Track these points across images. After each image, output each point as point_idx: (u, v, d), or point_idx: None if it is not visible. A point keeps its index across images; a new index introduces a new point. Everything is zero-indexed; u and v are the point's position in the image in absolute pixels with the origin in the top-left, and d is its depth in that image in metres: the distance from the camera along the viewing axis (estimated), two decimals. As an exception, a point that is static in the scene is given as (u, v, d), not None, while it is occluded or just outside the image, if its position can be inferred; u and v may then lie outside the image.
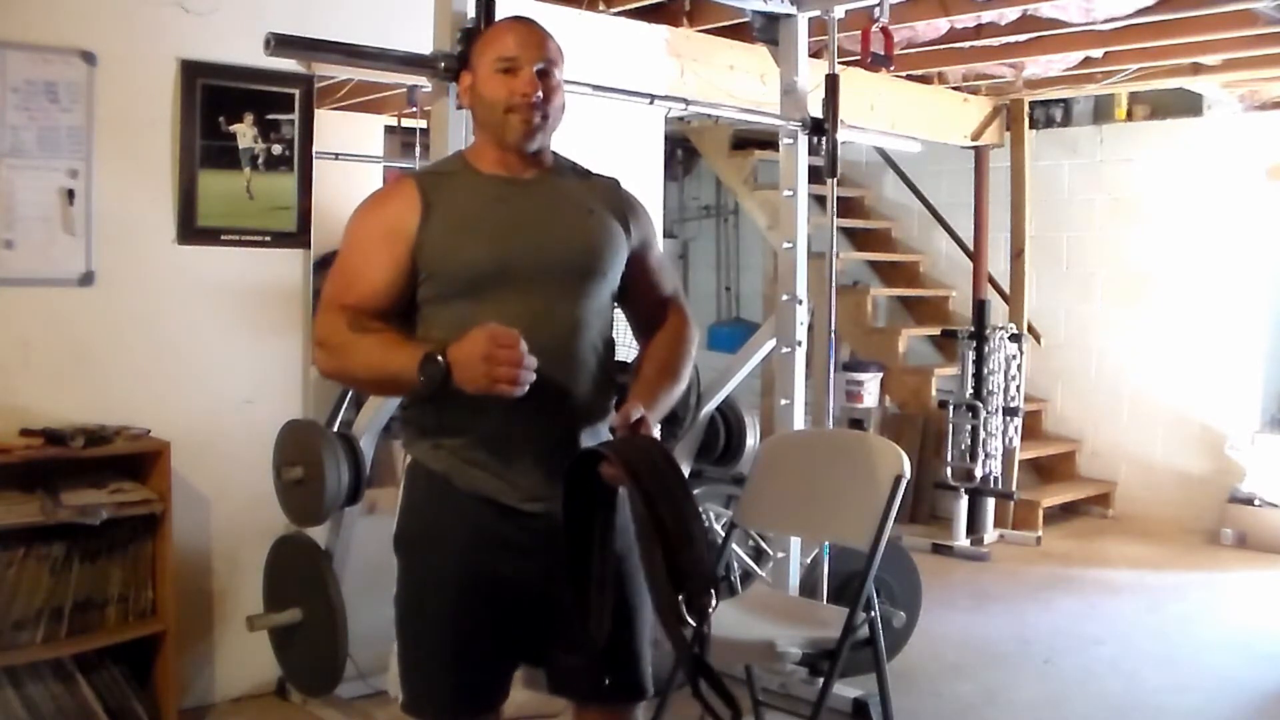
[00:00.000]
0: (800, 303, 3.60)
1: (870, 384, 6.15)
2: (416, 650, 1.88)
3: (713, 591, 1.69)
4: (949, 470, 5.56)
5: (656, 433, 1.88)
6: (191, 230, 3.32)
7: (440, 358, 1.66)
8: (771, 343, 3.67)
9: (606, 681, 1.86)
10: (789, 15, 3.56)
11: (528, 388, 1.66)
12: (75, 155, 3.12)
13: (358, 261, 1.83)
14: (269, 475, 3.16)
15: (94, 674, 3.03)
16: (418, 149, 4.24)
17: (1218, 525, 5.79)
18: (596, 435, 1.88)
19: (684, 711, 1.77)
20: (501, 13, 2.42)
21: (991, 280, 6.24)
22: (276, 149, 3.43)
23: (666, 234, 7.18)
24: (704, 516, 4.03)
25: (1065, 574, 5.20)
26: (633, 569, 1.85)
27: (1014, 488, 5.79)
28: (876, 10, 3.44)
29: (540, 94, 1.84)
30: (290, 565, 3.27)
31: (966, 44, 4.77)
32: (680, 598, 1.66)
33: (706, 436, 3.80)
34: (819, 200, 4.23)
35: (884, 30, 3.53)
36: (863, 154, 7.05)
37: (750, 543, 4.13)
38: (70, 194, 3.12)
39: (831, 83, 3.52)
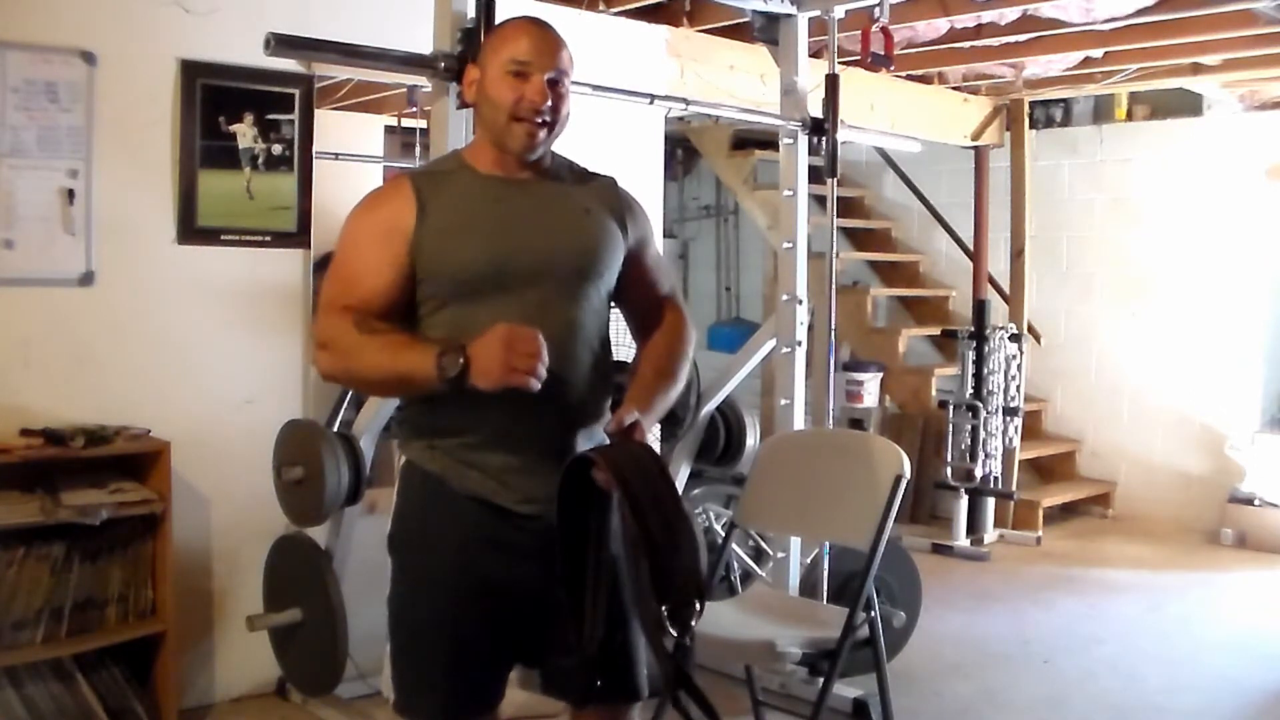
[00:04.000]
0: (800, 303, 3.60)
1: (870, 384, 6.14)
2: (410, 651, 1.88)
3: (697, 603, 1.68)
4: (949, 470, 5.56)
5: (654, 434, 1.88)
6: (191, 230, 3.32)
7: (459, 352, 1.66)
8: (771, 343, 3.67)
9: (599, 683, 1.86)
10: (789, 15, 3.56)
11: (540, 385, 1.66)
12: (75, 155, 3.12)
13: (357, 263, 1.82)
14: (269, 475, 3.16)
15: (94, 674, 3.03)
16: (418, 149, 4.24)
17: (1218, 525, 5.79)
18: (593, 436, 1.88)
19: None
20: (501, 13, 2.42)
21: (991, 280, 6.24)
22: (276, 149, 3.43)
23: (666, 234, 7.19)
24: (704, 516, 4.05)
25: (1065, 574, 5.20)
26: (628, 572, 1.84)
27: (1014, 488, 5.79)
28: (876, 10, 3.44)
29: (549, 104, 1.82)
30: (290, 565, 3.27)
31: (966, 44, 4.77)
32: (664, 608, 1.66)
33: (706, 436, 3.80)
34: (819, 200, 4.23)
35: (884, 30, 3.53)
36: (863, 154, 7.05)
37: (750, 543, 4.13)
38: (70, 194, 3.12)
39: (831, 83, 3.52)
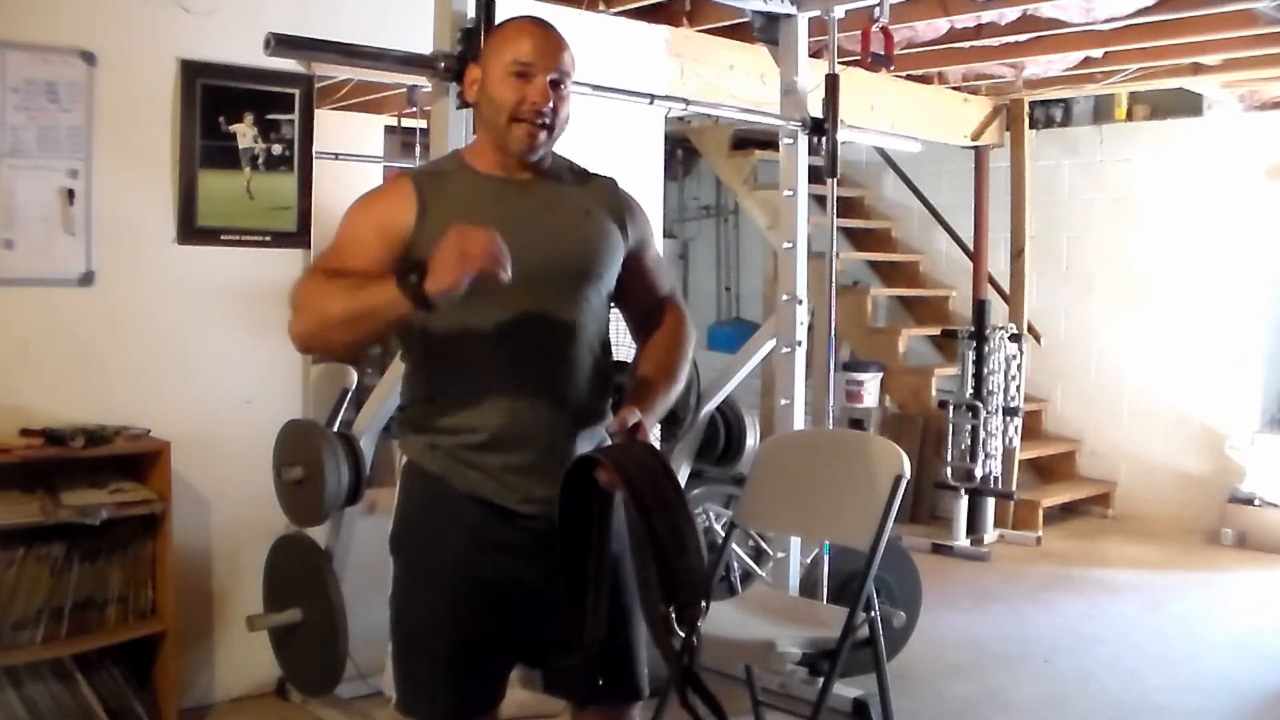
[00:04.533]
0: (800, 303, 3.60)
1: (870, 384, 6.15)
2: (412, 651, 1.88)
3: (703, 602, 1.68)
4: (949, 470, 5.56)
5: (655, 435, 1.88)
6: (191, 230, 3.32)
7: (419, 267, 1.60)
8: (771, 343, 3.67)
9: (601, 683, 1.86)
10: (789, 15, 3.56)
11: (509, 275, 1.60)
12: (75, 155, 3.12)
13: (348, 248, 1.80)
14: (269, 475, 3.16)
15: (94, 674, 3.03)
16: (418, 149, 4.24)
17: (1218, 525, 5.79)
18: (593, 437, 1.88)
19: (684, 712, 1.76)
20: (501, 13, 2.41)
21: (991, 280, 6.24)
22: (276, 149, 3.43)
23: (666, 234, 7.19)
24: (704, 516, 4.05)
25: (1065, 574, 5.20)
26: (628, 572, 1.84)
27: (1014, 488, 5.79)
28: (876, 10, 3.43)
29: (550, 105, 1.82)
30: (290, 565, 3.27)
31: (966, 44, 4.77)
32: (671, 608, 1.66)
33: (706, 436, 3.80)
34: (819, 200, 4.23)
35: (884, 30, 3.53)
36: (863, 154, 7.04)
37: (750, 543, 4.13)
38: (70, 194, 3.12)
39: (831, 83, 3.52)
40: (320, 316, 1.74)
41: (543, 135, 1.83)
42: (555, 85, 1.83)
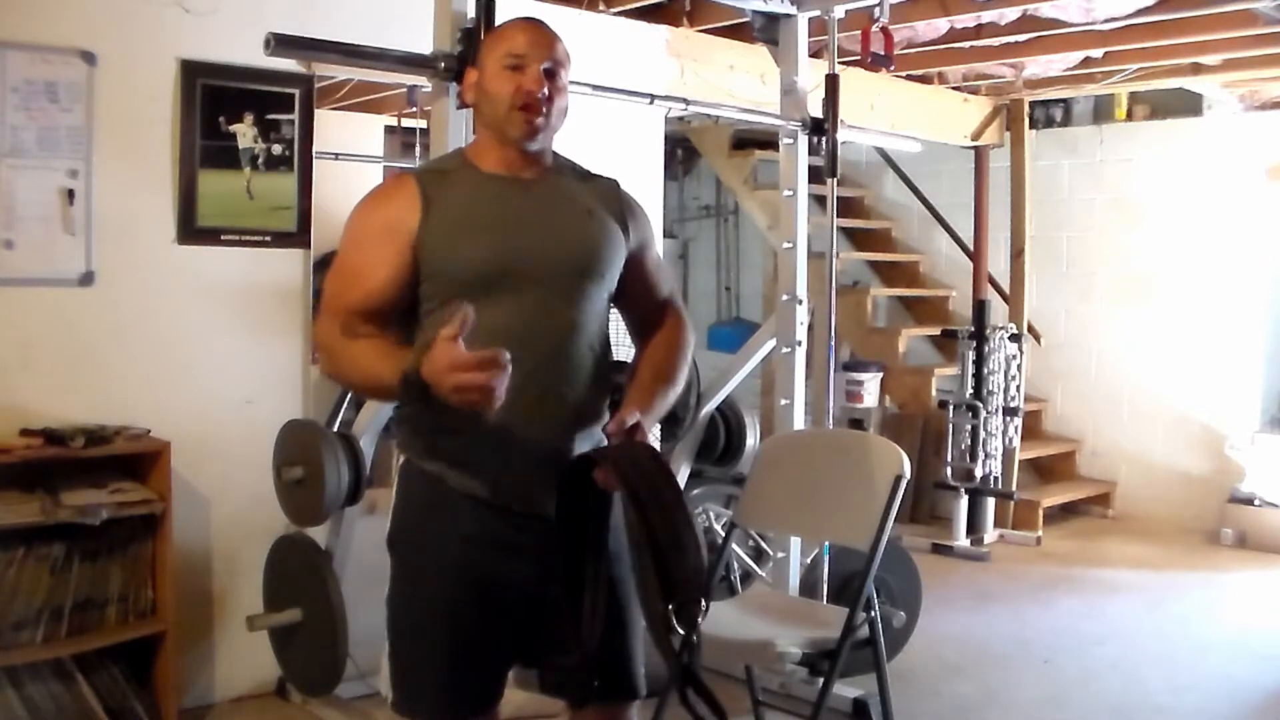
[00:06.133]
0: (800, 303, 3.60)
1: (870, 384, 6.15)
2: (410, 651, 1.88)
3: (702, 601, 1.69)
4: (949, 470, 5.56)
5: (654, 436, 1.88)
6: (191, 230, 3.32)
7: (419, 376, 1.59)
8: (771, 343, 3.67)
9: (598, 683, 1.86)
10: (789, 15, 3.56)
11: (503, 398, 1.58)
12: (75, 155, 3.12)
13: (357, 260, 1.81)
14: (269, 475, 3.16)
15: (94, 674, 3.03)
16: (418, 149, 4.24)
17: (1218, 525, 5.79)
18: (591, 437, 1.88)
19: (683, 711, 1.77)
20: (501, 13, 2.42)
21: (991, 280, 6.24)
22: (276, 149, 3.43)
23: (666, 234, 7.19)
24: (704, 516, 4.05)
25: (1065, 574, 5.20)
26: (626, 571, 1.84)
27: (1014, 488, 5.79)
28: (876, 10, 3.44)
29: (546, 91, 1.83)
30: (290, 565, 3.27)
31: (966, 44, 4.77)
32: (670, 607, 1.66)
33: (706, 436, 3.80)
34: (819, 200, 4.23)
35: (884, 30, 3.53)
36: (863, 154, 7.05)
37: (750, 543, 4.13)
38: (70, 194, 3.12)
39: (831, 83, 3.52)
40: (343, 376, 1.84)
41: (540, 121, 1.83)
42: (550, 75, 1.84)
